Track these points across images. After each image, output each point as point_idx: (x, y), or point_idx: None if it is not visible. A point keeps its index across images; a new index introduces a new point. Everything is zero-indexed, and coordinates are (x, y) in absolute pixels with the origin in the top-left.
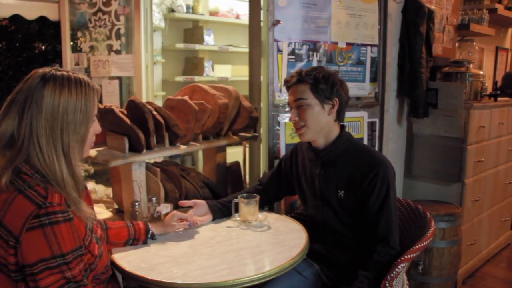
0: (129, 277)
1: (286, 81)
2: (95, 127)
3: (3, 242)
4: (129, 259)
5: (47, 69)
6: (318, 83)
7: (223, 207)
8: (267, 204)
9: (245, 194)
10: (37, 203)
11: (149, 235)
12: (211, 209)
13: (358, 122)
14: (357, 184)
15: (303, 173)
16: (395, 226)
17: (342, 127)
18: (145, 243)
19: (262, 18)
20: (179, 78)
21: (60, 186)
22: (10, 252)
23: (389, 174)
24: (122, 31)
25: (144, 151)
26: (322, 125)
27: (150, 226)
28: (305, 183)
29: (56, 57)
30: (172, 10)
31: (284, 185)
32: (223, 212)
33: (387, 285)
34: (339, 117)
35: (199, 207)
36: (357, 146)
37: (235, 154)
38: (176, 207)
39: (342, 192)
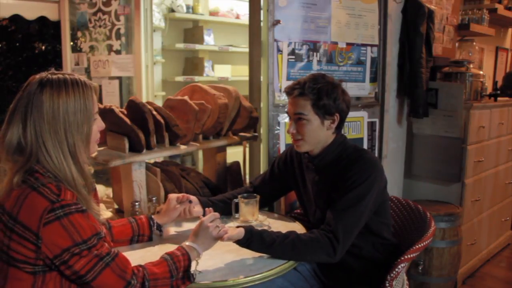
0: None
1: (287, 92)
2: (98, 124)
3: (19, 238)
4: (130, 259)
5: (43, 74)
6: (320, 99)
7: (213, 205)
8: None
9: (245, 194)
10: (51, 199)
11: (154, 227)
12: (202, 204)
13: (358, 122)
14: (343, 182)
15: (300, 177)
16: (349, 222)
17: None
18: (150, 239)
19: (262, 18)
20: (179, 78)
21: (71, 185)
22: (30, 248)
23: (373, 173)
24: (122, 31)
25: (144, 151)
26: (319, 139)
27: (154, 218)
28: (302, 187)
29: (56, 57)
30: (172, 10)
31: (277, 185)
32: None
33: (387, 285)
34: (339, 129)
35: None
36: (350, 149)
37: (235, 154)
38: None
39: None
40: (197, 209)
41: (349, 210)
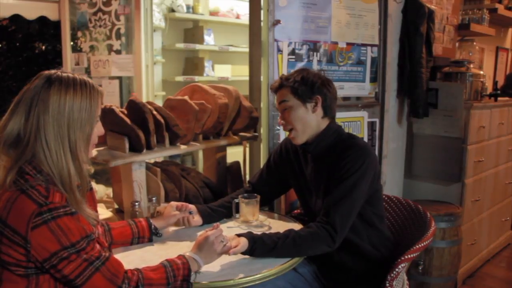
0: None
1: (271, 88)
2: (99, 128)
3: (8, 241)
4: (129, 259)
5: (52, 71)
6: (298, 86)
7: (213, 212)
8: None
9: (245, 194)
10: (38, 202)
11: (152, 231)
12: (201, 214)
13: (358, 122)
14: (337, 171)
15: (297, 168)
16: (345, 211)
17: (331, 120)
18: (150, 240)
19: (262, 18)
20: (179, 78)
21: (65, 184)
22: (20, 251)
23: (366, 159)
24: (122, 31)
25: (144, 151)
26: (310, 125)
27: (152, 222)
28: (300, 178)
29: (56, 57)
30: (172, 10)
31: (274, 181)
32: (213, 217)
33: (387, 285)
34: (327, 113)
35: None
36: (344, 136)
37: (235, 154)
38: None
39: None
40: (196, 218)
41: (344, 199)
